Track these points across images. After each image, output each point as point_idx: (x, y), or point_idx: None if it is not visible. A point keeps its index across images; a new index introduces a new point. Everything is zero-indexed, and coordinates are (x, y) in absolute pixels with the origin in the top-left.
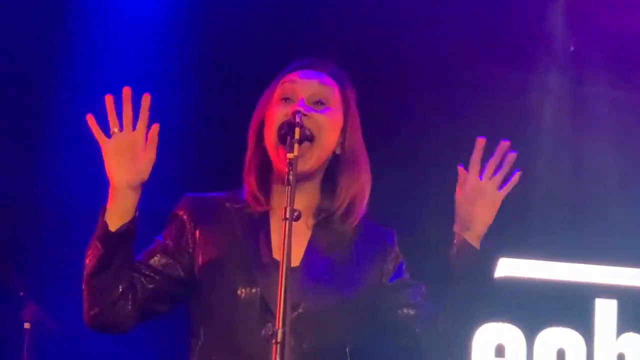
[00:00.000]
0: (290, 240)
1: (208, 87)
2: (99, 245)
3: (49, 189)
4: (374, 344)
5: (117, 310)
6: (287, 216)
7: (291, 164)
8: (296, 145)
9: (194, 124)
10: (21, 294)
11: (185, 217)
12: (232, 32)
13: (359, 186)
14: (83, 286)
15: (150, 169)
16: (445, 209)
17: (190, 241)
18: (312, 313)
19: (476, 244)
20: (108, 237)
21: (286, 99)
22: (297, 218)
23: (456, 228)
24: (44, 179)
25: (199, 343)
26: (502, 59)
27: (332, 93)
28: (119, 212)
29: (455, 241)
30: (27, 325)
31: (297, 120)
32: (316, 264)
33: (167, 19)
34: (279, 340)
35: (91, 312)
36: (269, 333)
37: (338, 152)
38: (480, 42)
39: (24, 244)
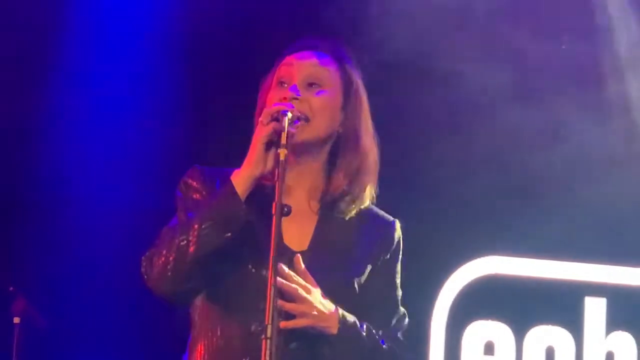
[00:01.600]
0: (278, 236)
1: (204, 85)
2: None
3: (38, 184)
4: None
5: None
6: (276, 212)
7: (280, 162)
8: (283, 150)
9: (187, 121)
10: (11, 288)
11: (198, 185)
12: (224, 28)
13: (361, 165)
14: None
15: None
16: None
17: None
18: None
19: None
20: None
21: (282, 83)
22: (287, 213)
23: None
24: (33, 174)
25: (197, 324)
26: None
27: (329, 73)
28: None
29: None
30: (16, 320)
31: (282, 123)
32: (322, 251)
33: (161, 14)
34: (268, 336)
35: (189, 285)
36: (259, 329)
37: (340, 131)
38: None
39: (13, 239)
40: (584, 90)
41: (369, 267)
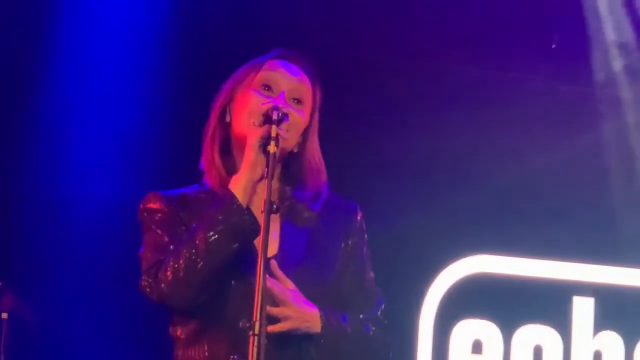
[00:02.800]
0: (268, 233)
1: (200, 83)
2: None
3: (28, 181)
4: None
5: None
6: (265, 209)
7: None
8: (273, 143)
9: (182, 120)
10: None
11: (166, 209)
12: (218, 27)
13: (315, 183)
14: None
15: None
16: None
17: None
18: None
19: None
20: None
21: (267, 87)
22: (277, 211)
23: None
24: (24, 171)
25: (184, 333)
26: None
27: (307, 92)
28: None
29: None
30: (4, 316)
31: (275, 117)
32: (292, 252)
33: (154, 11)
34: (256, 332)
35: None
36: (247, 325)
37: (295, 150)
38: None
39: (1, 234)
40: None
41: (340, 255)
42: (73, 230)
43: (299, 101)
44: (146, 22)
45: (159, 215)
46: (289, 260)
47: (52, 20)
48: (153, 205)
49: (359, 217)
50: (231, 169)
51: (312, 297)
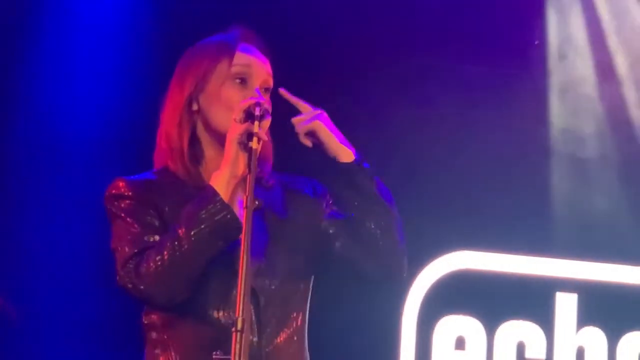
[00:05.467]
0: (250, 229)
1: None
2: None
3: (12, 178)
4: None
5: None
6: (247, 205)
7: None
8: (255, 139)
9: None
10: None
11: (134, 195)
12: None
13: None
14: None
15: None
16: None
17: (156, 220)
18: (269, 290)
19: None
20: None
21: (243, 80)
22: (258, 206)
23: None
24: (6, 167)
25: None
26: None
27: (271, 78)
28: None
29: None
30: None
31: (257, 114)
32: (257, 240)
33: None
34: (238, 328)
35: (178, 296)
36: (229, 321)
37: None
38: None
39: None
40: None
41: (309, 225)
42: (55, 228)
43: (267, 89)
44: (130, 20)
45: (127, 201)
46: (254, 253)
47: (34, 18)
48: (120, 191)
49: (326, 191)
50: (196, 158)
51: (284, 285)
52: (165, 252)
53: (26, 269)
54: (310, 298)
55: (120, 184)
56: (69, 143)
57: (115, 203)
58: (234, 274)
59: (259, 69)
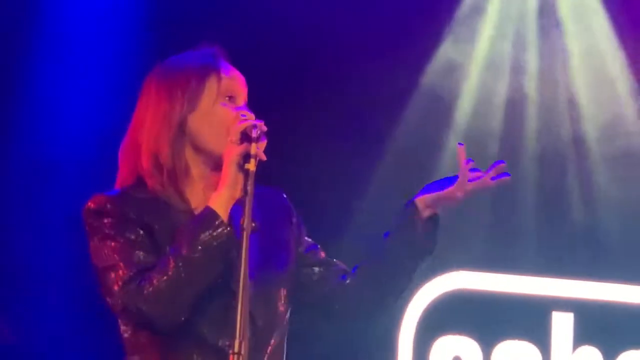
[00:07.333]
0: (247, 251)
1: None
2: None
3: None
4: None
5: None
6: (245, 226)
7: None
8: (252, 160)
9: None
10: None
11: (117, 211)
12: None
13: None
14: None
15: None
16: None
17: (145, 237)
18: (259, 296)
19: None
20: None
21: (231, 98)
22: (255, 229)
23: (424, 201)
24: None
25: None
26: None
27: None
28: None
29: (412, 212)
30: None
31: (254, 135)
32: (252, 262)
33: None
34: (236, 350)
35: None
36: (226, 344)
37: None
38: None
39: None
40: None
41: (291, 238)
42: (50, 237)
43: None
44: (126, 22)
45: (110, 218)
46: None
47: (32, 19)
48: (102, 207)
49: (285, 196)
50: (180, 178)
51: (271, 292)
52: (170, 273)
53: (10, 279)
54: (306, 319)
55: (101, 199)
56: (60, 160)
57: (97, 219)
58: (229, 296)
59: (242, 86)
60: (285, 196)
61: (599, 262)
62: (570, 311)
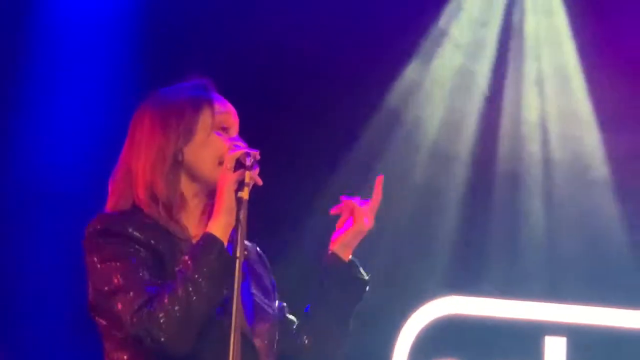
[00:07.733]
0: (240, 279)
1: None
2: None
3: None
4: None
5: None
6: (238, 255)
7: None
8: (246, 189)
9: None
10: None
11: (120, 233)
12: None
13: None
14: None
15: None
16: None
17: (149, 258)
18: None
19: (347, 257)
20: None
21: (225, 129)
22: (247, 257)
23: (335, 247)
24: None
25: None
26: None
27: None
28: None
29: (328, 259)
30: None
31: (248, 164)
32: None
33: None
34: None
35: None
36: None
37: None
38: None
39: None
40: None
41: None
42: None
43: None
44: (120, 22)
45: (117, 239)
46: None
47: (26, 20)
48: (109, 227)
49: (258, 249)
50: (175, 206)
51: (269, 327)
52: (182, 298)
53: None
54: None
55: (108, 218)
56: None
57: (103, 238)
58: (226, 321)
59: (234, 117)
60: (258, 249)
61: (591, 286)
62: (563, 335)
